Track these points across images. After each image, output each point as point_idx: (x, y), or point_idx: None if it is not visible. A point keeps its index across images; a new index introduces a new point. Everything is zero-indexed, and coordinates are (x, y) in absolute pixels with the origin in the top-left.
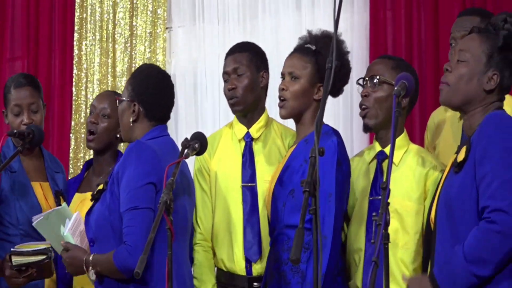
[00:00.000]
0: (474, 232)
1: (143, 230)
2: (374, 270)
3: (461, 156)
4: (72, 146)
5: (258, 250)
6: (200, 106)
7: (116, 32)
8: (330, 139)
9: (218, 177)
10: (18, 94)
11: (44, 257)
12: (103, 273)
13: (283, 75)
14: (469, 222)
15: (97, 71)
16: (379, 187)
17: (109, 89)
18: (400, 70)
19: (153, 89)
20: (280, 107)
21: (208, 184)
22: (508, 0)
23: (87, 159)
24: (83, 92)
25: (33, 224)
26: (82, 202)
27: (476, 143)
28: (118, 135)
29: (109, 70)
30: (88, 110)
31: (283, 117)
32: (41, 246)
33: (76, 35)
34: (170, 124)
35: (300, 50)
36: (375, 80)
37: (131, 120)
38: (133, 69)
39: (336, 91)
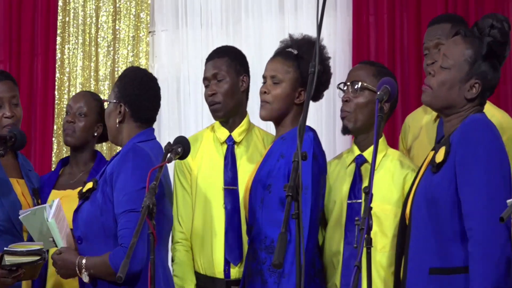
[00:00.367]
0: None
1: None
2: (357, 275)
3: (439, 157)
4: (54, 150)
5: (239, 253)
6: (183, 110)
7: (99, 36)
8: (306, 134)
9: (199, 178)
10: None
11: (38, 258)
12: (98, 275)
13: (265, 78)
14: (452, 219)
15: (80, 74)
16: (358, 191)
17: None
18: (381, 77)
19: (139, 90)
20: (261, 107)
21: (189, 183)
22: (490, 3)
23: None
24: (66, 96)
25: (19, 217)
26: (61, 199)
27: (457, 145)
28: (95, 133)
29: (92, 74)
30: None
31: (263, 117)
32: (34, 246)
33: (58, 39)
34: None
35: (282, 54)
36: (356, 86)
37: (117, 121)
38: (115, 73)
39: (317, 96)
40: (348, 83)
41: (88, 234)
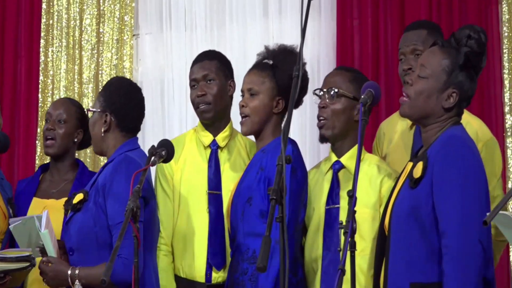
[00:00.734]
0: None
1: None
2: (341, 278)
3: (417, 172)
4: (38, 153)
5: (222, 258)
6: (167, 113)
7: (82, 39)
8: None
9: (183, 182)
10: None
11: (27, 264)
12: (92, 285)
13: (243, 92)
14: (431, 234)
15: (64, 77)
16: (336, 196)
17: (76, 96)
18: (357, 83)
19: (125, 100)
20: (241, 124)
21: (171, 188)
22: (474, 8)
23: None
24: (50, 99)
25: (9, 226)
26: (44, 208)
27: (434, 160)
28: (75, 139)
29: (76, 76)
30: None
31: (245, 133)
32: (24, 253)
33: (42, 41)
34: None
35: (257, 66)
36: (333, 92)
37: (102, 130)
38: (99, 76)
39: (297, 102)
40: (325, 89)
41: (81, 245)
